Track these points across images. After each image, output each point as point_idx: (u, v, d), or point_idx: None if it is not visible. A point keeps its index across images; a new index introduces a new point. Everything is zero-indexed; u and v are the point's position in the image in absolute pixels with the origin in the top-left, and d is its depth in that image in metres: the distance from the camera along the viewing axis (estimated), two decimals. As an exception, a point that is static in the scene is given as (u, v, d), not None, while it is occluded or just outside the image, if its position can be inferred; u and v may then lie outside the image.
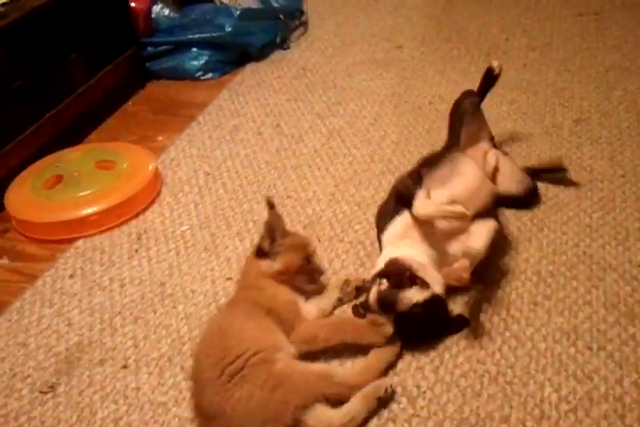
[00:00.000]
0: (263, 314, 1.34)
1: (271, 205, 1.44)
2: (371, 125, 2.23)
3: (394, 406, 1.27)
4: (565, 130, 2.13)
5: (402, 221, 1.48)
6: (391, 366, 1.35)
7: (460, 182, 1.55)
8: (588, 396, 1.27)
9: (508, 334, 1.41)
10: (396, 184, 1.64)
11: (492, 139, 1.83)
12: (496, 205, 1.62)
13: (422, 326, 1.37)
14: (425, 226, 1.45)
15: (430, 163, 1.64)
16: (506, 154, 1.86)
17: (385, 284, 1.35)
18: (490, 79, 1.93)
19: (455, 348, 1.39)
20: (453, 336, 1.41)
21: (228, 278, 1.61)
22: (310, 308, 1.43)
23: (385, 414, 1.26)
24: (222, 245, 1.73)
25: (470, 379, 1.32)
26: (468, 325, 1.43)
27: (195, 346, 1.38)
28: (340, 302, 1.50)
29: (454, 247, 1.46)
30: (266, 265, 1.42)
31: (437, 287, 1.36)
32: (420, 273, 1.36)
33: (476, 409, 1.26)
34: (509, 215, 1.75)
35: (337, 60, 2.71)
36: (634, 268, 1.56)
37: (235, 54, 2.69)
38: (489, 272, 1.57)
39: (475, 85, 2.41)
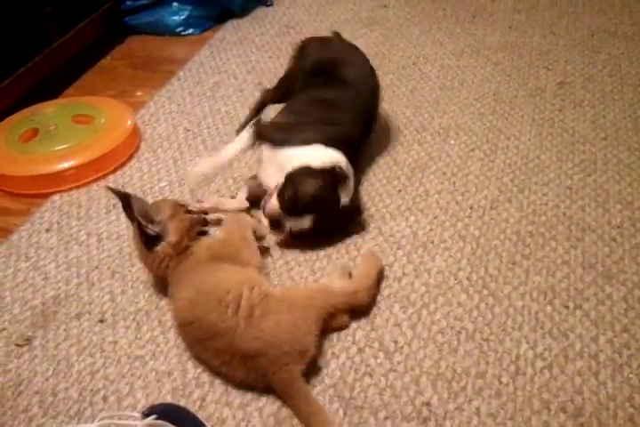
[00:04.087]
0: (218, 263, 1.34)
1: (127, 196, 1.36)
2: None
3: (371, 360, 1.28)
4: (549, 93, 2.12)
5: None
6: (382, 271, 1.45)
7: None
8: (563, 353, 1.28)
9: (485, 292, 1.42)
10: None
11: None
12: None
13: (312, 206, 1.49)
14: None
15: None
16: None
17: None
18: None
19: (433, 305, 1.39)
20: (431, 293, 1.42)
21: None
22: None
23: (362, 368, 1.27)
24: (201, 202, 1.72)
25: (447, 335, 1.33)
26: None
27: (175, 323, 1.36)
28: None
29: None
30: (163, 248, 1.36)
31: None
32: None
33: (452, 365, 1.27)
34: (490, 176, 1.75)
35: (321, 18, 2.67)
36: (612, 229, 1.57)
37: (216, 10, 2.64)
38: (469, 231, 1.58)
39: (459, 47, 2.41)
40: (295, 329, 1.23)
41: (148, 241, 1.36)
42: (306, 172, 1.51)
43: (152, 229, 1.35)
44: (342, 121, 1.67)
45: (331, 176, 1.51)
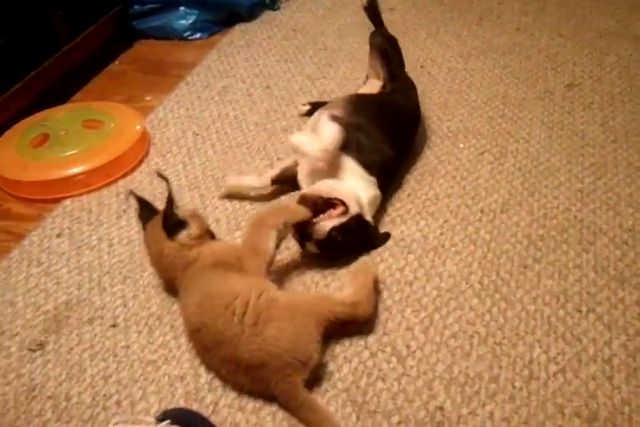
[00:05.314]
0: (223, 271, 1.33)
1: (166, 178, 1.44)
2: (361, 88, 2.20)
3: (383, 365, 1.28)
4: (557, 95, 2.12)
5: None
6: (378, 279, 1.44)
7: None
8: (576, 357, 1.28)
9: (497, 296, 1.42)
10: None
11: None
12: None
13: (344, 246, 1.49)
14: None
15: None
16: None
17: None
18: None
19: (445, 309, 1.39)
20: (443, 297, 1.42)
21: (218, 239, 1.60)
22: None
23: (375, 372, 1.27)
24: (212, 206, 1.72)
25: (460, 340, 1.33)
26: (388, 238, 1.57)
27: (185, 330, 1.36)
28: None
29: None
30: (185, 236, 1.38)
31: (353, 206, 1.50)
32: (335, 194, 1.49)
33: (465, 369, 1.27)
34: (500, 179, 1.75)
35: (328, 21, 2.67)
36: (624, 232, 1.57)
37: (223, 14, 2.64)
38: (480, 235, 1.57)
39: (467, 49, 2.41)
40: (297, 338, 1.22)
41: (171, 230, 1.38)
42: (357, 225, 1.50)
43: (180, 214, 1.39)
44: (391, 146, 1.67)
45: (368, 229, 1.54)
